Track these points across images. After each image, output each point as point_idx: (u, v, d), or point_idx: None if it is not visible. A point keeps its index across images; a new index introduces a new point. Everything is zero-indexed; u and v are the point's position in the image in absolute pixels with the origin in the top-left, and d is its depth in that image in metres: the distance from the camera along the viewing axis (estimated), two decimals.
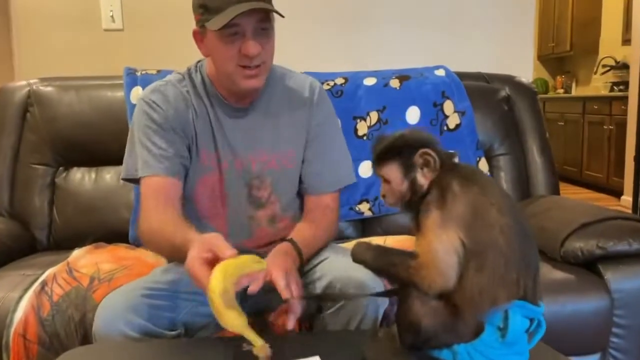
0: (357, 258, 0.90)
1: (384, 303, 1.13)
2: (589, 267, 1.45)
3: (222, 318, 0.87)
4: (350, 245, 1.25)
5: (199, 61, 1.31)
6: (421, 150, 0.85)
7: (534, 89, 2.10)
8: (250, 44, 1.13)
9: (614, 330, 1.40)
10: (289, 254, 1.16)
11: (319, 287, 1.17)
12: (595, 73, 5.92)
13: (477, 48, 2.36)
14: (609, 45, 5.79)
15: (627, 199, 4.43)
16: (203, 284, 0.90)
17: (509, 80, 2.10)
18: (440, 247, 0.79)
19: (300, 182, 1.33)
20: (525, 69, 2.31)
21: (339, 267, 1.14)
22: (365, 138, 1.90)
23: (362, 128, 1.91)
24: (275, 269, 1.05)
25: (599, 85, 5.80)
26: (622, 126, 4.67)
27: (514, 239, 0.78)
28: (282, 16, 1.14)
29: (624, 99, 4.65)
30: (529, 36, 2.40)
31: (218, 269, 0.89)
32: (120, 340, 1.02)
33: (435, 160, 0.84)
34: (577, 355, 1.40)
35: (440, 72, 2.03)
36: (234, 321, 0.87)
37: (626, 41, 5.19)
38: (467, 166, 0.89)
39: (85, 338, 1.23)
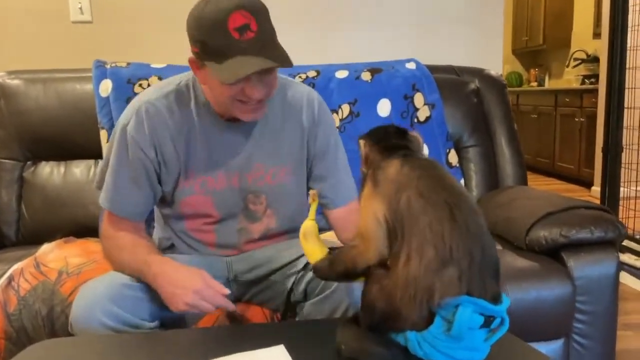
0: (320, 274, 0.98)
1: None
2: (553, 255, 1.49)
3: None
4: (327, 235, 1.27)
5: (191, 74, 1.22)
6: (358, 140, 0.95)
7: (502, 82, 2.14)
8: (256, 89, 1.07)
9: (577, 316, 1.45)
10: None
11: (303, 279, 1.19)
12: (568, 66, 6.01)
13: (448, 41, 2.39)
14: (581, 38, 5.89)
15: (597, 189, 4.51)
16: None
17: (478, 73, 2.13)
18: (365, 215, 0.86)
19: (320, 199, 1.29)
20: (495, 62, 2.34)
21: None
22: (337, 131, 1.91)
23: (335, 121, 1.92)
24: None
25: (570, 78, 5.90)
26: (592, 118, 4.76)
27: (448, 235, 0.78)
28: (291, 66, 1.05)
29: (595, 92, 4.73)
30: (499, 30, 2.43)
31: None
32: (97, 329, 1.02)
33: (362, 147, 0.93)
34: (542, 340, 1.44)
35: (411, 65, 2.05)
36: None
37: (597, 35, 5.28)
38: (426, 160, 0.93)
39: (53, 332, 1.23)
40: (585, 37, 5.74)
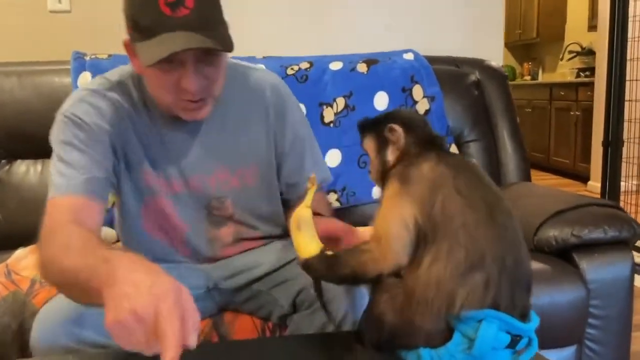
0: (312, 272, 0.84)
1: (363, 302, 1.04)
2: (563, 256, 1.40)
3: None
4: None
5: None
6: (389, 125, 0.82)
7: (504, 73, 2.05)
8: (191, 79, 0.93)
9: (590, 321, 1.36)
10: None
11: (289, 292, 1.08)
12: (562, 59, 5.95)
13: (447, 31, 2.29)
14: (575, 31, 5.82)
15: (593, 184, 4.46)
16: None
17: (478, 64, 2.04)
18: (391, 218, 0.75)
19: (282, 195, 1.20)
20: (495, 52, 2.25)
21: None
22: (332, 125, 1.81)
23: (329, 115, 1.82)
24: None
25: (565, 71, 5.84)
26: (588, 112, 4.70)
27: (482, 238, 0.70)
28: (231, 50, 0.92)
29: (590, 85, 4.68)
30: (499, 20, 2.33)
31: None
32: (59, 352, 0.91)
33: (400, 135, 0.81)
34: (553, 348, 1.35)
35: (409, 56, 1.95)
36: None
37: (592, 27, 5.21)
38: (458, 156, 0.84)
39: (24, 347, 1.12)
40: (580, 29, 5.68)
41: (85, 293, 0.77)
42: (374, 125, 0.86)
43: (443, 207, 0.71)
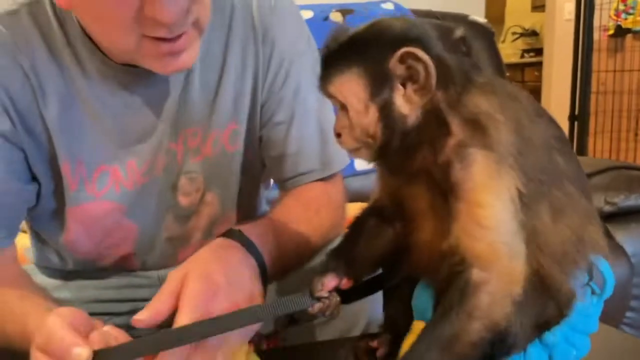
0: None
1: None
2: None
3: None
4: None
5: None
6: (402, 51, 0.46)
7: (491, 30, 1.86)
8: (165, 2, 0.56)
9: (631, 303, 1.16)
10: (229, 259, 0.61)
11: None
12: (503, 42, 5.96)
13: None
14: (516, 13, 5.85)
15: None
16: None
17: (462, 19, 1.84)
18: (503, 213, 0.47)
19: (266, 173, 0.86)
20: (476, 7, 2.03)
21: None
22: (313, 53, 1.54)
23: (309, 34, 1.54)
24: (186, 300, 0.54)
25: (508, 53, 5.85)
26: (535, 92, 4.67)
27: (568, 154, 0.54)
28: None
29: (537, 65, 4.68)
30: None
31: None
32: None
33: (428, 71, 0.47)
34: None
35: (389, 6, 1.71)
36: None
37: (536, 7, 5.21)
38: (523, 93, 0.57)
39: None
40: (521, 11, 5.70)
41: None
42: (358, 51, 0.49)
43: (535, 146, 0.50)
